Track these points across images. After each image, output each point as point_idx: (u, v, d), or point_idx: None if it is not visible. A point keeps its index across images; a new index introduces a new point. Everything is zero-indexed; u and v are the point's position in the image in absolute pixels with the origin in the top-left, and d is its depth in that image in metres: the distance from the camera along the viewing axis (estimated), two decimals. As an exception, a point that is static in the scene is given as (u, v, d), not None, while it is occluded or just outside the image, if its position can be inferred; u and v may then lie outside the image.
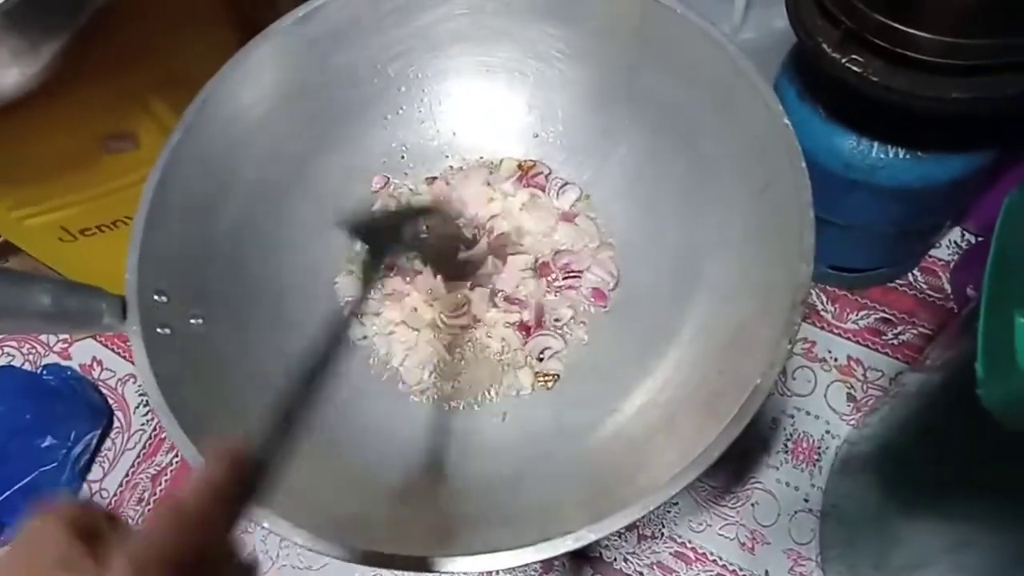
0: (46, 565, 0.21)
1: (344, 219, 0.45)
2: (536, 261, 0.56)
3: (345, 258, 0.57)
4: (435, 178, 0.60)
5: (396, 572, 0.36)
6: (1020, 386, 0.29)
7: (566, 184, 0.58)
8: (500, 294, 0.55)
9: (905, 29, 0.45)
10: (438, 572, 0.35)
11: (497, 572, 0.63)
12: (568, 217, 0.57)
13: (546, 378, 0.52)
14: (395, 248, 0.50)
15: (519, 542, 0.35)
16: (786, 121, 0.42)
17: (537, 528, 0.36)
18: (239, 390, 0.45)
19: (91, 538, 0.22)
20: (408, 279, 0.56)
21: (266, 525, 0.36)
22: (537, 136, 0.59)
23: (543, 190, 0.58)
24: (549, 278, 0.55)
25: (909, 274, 0.72)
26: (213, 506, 0.24)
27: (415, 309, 0.55)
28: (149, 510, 0.71)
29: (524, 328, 0.54)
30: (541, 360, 0.53)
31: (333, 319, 0.36)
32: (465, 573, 0.35)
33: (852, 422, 0.66)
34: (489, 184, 0.58)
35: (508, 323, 0.54)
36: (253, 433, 0.28)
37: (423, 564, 0.35)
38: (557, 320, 0.54)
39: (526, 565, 0.61)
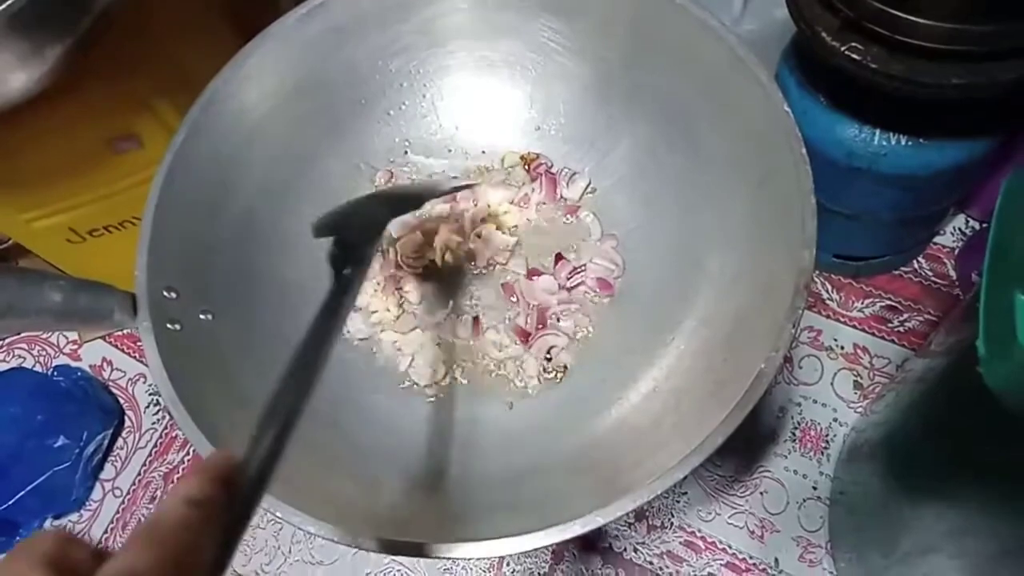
0: None
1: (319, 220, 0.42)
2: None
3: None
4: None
5: (410, 559, 0.36)
6: (1021, 364, 0.29)
7: (575, 174, 0.58)
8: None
9: (903, 16, 0.45)
10: (448, 558, 0.35)
11: (507, 560, 0.63)
12: (572, 210, 0.57)
13: (555, 371, 0.52)
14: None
15: (527, 528, 0.35)
16: (786, 109, 0.42)
17: (545, 514, 0.36)
18: (248, 383, 0.45)
19: (69, 572, 0.20)
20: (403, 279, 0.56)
21: (279, 515, 0.37)
22: (539, 129, 0.59)
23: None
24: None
25: (914, 261, 0.72)
26: (192, 521, 0.22)
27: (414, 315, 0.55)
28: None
29: (524, 335, 0.53)
30: (549, 359, 0.53)
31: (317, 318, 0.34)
32: (474, 559, 0.36)
33: (859, 409, 0.66)
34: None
35: (508, 339, 0.54)
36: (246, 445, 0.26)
37: (433, 551, 0.35)
38: (561, 318, 0.54)
39: (535, 551, 0.62)
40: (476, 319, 0.54)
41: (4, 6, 0.43)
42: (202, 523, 0.22)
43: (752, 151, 0.45)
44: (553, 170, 0.58)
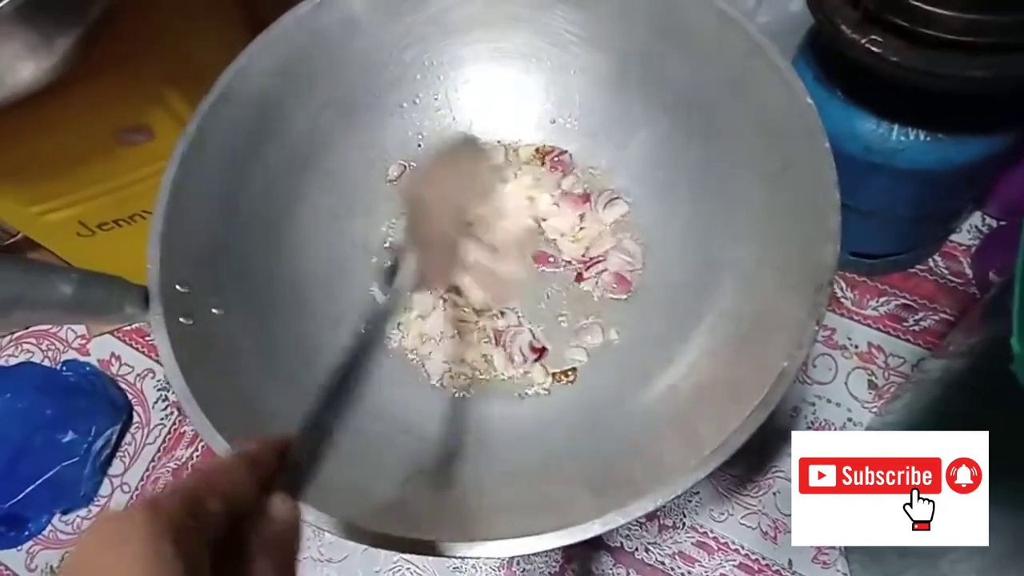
0: None
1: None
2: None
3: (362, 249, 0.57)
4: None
5: (419, 558, 0.36)
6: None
7: (613, 199, 0.56)
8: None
9: (924, 7, 0.45)
10: (463, 557, 0.35)
11: (517, 560, 0.63)
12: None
13: (565, 375, 0.52)
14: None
15: (542, 527, 0.35)
16: (808, 100, 0.41)
17: (560, 514, 0.36)
18: (260, 378, 0.45)
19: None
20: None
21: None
22: (555, 122, 0.58)
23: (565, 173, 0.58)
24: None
25: (930, 259, 0.71)
26: (241, 465, 0.26)
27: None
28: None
29: (537, 351, 0.53)
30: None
31: (368, 323, 0.36)
32: (489, 558, 0.35)
33: (874, 409, 0.65)
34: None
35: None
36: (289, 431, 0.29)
37: (448, 550, 0.35)
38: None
39: (549, 552, 0.61)
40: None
41: (13, -4, 0.43)
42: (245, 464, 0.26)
43: (772, 143, 0.44)
44: (571, 158, 0.58)
